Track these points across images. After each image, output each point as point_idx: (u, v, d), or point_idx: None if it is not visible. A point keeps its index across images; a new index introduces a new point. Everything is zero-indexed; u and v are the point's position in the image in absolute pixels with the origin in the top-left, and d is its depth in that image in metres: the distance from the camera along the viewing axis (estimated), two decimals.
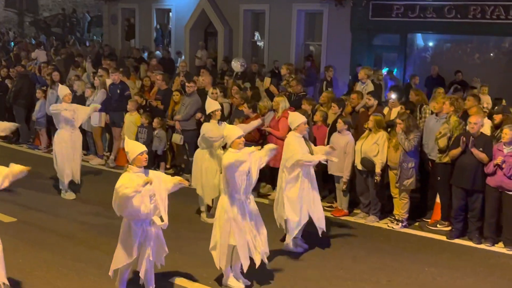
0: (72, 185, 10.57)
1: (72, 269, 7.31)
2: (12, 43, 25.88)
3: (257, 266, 6.76)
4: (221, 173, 7.24)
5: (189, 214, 9.46)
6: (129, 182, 5.88)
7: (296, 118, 8.03)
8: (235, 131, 6.86)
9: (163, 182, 6.23)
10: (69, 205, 10.08)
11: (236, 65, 14.71)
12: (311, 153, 7.92)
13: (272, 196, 10.40)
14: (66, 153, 10.28)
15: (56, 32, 30.04)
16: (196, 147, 9.48)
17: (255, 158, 6.75)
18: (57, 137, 10.42)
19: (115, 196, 5.94)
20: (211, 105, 9.15)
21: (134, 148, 6.18)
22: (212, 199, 9.15)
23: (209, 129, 8.97)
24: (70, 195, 10.40)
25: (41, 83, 14.82)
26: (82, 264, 7.49)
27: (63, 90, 10.51)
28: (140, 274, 6.24)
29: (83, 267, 7.39)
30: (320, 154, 7.88)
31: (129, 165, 6.14)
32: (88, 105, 12.07)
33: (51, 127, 13.67)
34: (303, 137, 7.97)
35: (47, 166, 11.42)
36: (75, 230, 8.83)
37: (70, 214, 9.58)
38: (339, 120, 9.47)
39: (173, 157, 12.40)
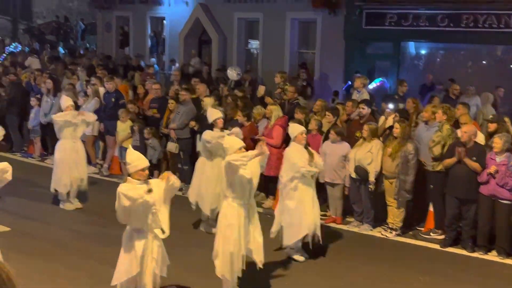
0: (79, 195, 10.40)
1: (65, 278, 7.28)
2: (11, 49, 25.34)
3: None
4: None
5: (182, 223, 9.41)
6: (132, 190, 5.68)
7: (293, 129, 8.08)
8: (235, 142, 6.85)
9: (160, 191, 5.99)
10: (62, 213, 10.04)
11: (232, 73, 14.75)
12: (312, 161, 7.91)
13: (266, 204, 10.41)
14: (67, 164, 10.03)
15: (50, 40, 29.96)
16: (191, 156, 9.40)
17: (255, 164, 6.71)
18: (58, 147, 10.19)
19: (117, 204, 5.74)
20: (213, 113, 9.13)
21: (137, 161, 5.90)
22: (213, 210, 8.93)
23: (210, 136, 8.95)
24: (69, 206, 10.21)
25: (35, 91, 14.77)
26: (75, 273, 7.46)
27: (65, 101, 10.37)
28: None
29: (76, 276, 7.36)
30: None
31: (127, 177, 5.93)
32: None
33: (46, 136, 13.66)
34: (305, 146, 7.98)
35: (41, 175, 11.38)
36: (69, 239, 8.80)
37: (63, 222, 9.55)
38: (331, 132, 9.49)
39: (168, 166, 12.34)
